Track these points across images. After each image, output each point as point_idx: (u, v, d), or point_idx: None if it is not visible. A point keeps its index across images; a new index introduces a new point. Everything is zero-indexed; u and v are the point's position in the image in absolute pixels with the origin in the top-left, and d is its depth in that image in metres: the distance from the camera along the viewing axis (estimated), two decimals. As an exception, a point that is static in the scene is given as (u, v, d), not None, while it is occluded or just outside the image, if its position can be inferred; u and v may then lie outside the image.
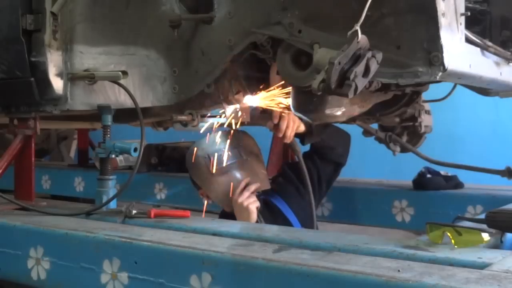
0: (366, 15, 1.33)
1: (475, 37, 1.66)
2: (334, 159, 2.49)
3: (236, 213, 2.23)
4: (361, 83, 1.36)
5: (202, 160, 2.28)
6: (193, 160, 2.32)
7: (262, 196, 2.33)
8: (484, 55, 1.73)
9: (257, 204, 2.22)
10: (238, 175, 2.27)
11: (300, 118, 2.15)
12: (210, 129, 2.27)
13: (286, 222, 2.32)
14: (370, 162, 4.12)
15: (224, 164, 2.26)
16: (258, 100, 2.10)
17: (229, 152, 2.28)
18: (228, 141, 2.29)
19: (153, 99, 2.01)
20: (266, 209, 2.32)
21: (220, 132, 2.30)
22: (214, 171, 2.26)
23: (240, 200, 2.20)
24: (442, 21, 1.41)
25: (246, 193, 2.21)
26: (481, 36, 1.75)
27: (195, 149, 2.32)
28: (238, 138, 2.33)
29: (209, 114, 2.22)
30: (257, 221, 2.20)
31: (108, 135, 1.90)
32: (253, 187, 2.24)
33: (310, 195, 2.32)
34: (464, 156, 3.58)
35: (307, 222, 2.32)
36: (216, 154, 2.26)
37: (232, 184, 2.25)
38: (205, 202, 2.37)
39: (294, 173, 2.44)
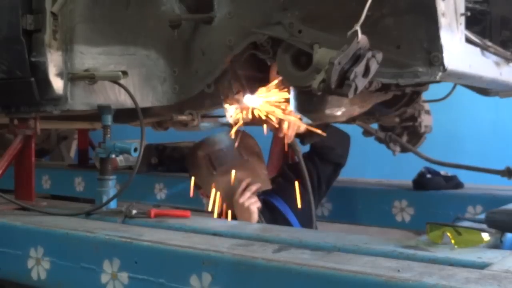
0: (366, 15, 1.33)
1: (475, 37, 1.66)
2: (334, 159, 2.49)
3: (237, 213, 2.23)
4: (361, 83, 1.36)
5: (203, 160, 2.28)
6: (194, 160, 2.32)
7: (261, 196, 2.33)
8: (484, 55, 1.73)
9: (258, 204, 2.22)
10: (239, 175, 2.27)
11: (300, 118, 2.15)
12: (211, 129, 2.27)
13: (285, 222, 2.32)
14: (370, 162, 4.12)
15: (225, 165, 2.26)
16: (258, 103, 2.10)
17: (230, 152, 2.28)
18: (229, 141, 2.29)
19: (153, 99, 2.01)
20: (265, 209, 2.32)
21: (221, 132, 2.30)
22: (214, 171, 2.26)
23: (241, 200, 2.20)
24: (442, 21, 1.41)
25: (247, 194, 2.21)
26: (481, 36, 1.75)
27: (196, 149, 2.32)
28: (239, 138, 2.33)
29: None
30: (258, 222, 2.20)
31: (108, 135, 1.90)
32: (254, 188, 2.24)
33: (310, 196, 2.32)
34: (464, 156, 3.58)
35: (307, 222, 2.32)
36: (217, 154, 2.26)
37: (233, 184, 2.25)
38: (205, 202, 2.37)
39: (294, 173, 2.45)
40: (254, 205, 2.20)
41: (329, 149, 2.47)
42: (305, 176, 2.32)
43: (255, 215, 2.20)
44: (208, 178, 2.28)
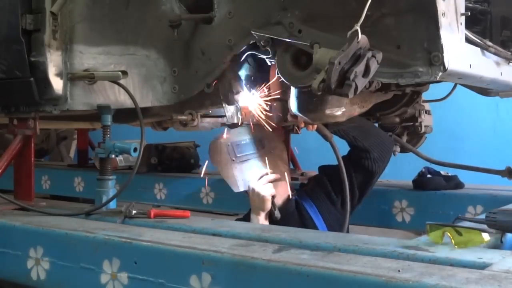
0: (366, 15, 1.33)
1: (475, 37, 1.66)
2: (367, 165, 2.34)
3: (250, 199, 2.24)
4: (361, 83, 1.36)
5: (225, 146, 2.28)
6: (215, 147, 2.31)
7: (295, 197, 2.34)
8: (484, 55, 1.73)
9: (273, 192, 2.22)
10: (258, 164, 2.27)
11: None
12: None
13: (312, 227, 2.28)
14: (370, 162, 4.10)
15: (245, 153, 2.27)
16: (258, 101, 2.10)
17: (253, 143, 2.29)
18: (254, 133, 2.29)
19: (153, 99, 2.01)
20: (296, 210, 2.32)
21: (246, 125, 2.29)
22: (234, 158, 2.26)
23: (256, 186, 2.20)
24: (442, 21, 1.41)
25: (264, 181, 2.21)
26: (481, 36, 1.75)
27: (220, 137, 2.32)
28: (264, 132, 2.32)
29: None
30: (270, 210, 2.20)
31: (108, 135, 1.90)
32: (272, 177, 2.24)
33: (347, 203, 2.25)
34: (465, 156, 3.58)
35: (336, 230, 2.28)
36: (239, 143, 2.27)
37: (250, 170, 2.25)
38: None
39: (328, 178, 2.40)
40: (267, 192, 2.20)
41: (364, 152, 2.32)
42: (344, 180, 2.23)
43: (268, 203, 2.20)
44: (227, 165, 2.28)
